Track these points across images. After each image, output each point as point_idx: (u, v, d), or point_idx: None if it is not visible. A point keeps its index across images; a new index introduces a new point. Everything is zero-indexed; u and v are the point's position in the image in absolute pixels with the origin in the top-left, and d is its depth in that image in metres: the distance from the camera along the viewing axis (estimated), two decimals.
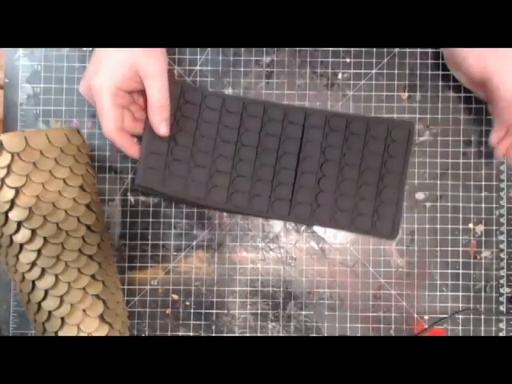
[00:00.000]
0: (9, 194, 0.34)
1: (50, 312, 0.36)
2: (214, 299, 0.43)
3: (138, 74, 0.36)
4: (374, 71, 0.44)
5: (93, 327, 0.36)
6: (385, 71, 0.44)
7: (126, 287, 0.43)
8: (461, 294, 0.43)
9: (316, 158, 0.42)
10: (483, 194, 0.43)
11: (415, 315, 0.43)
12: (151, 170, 0.40)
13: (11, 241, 0.35)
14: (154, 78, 0.36)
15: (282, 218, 0.42)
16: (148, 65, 0.36)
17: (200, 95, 0.42)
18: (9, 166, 0.34)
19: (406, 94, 0.44)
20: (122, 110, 0.37)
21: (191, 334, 0.43)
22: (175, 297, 0.43)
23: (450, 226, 0.43)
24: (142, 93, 0.39)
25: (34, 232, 0.35)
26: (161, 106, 0.37)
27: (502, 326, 0.43)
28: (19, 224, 0.34)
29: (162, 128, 0.38)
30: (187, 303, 0.43)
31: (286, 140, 0.42)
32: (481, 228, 0.43)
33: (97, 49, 0.37)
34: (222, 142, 0.42)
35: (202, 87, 0.44)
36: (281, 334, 0.43)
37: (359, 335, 0.43)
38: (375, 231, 0.42)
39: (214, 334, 0.43)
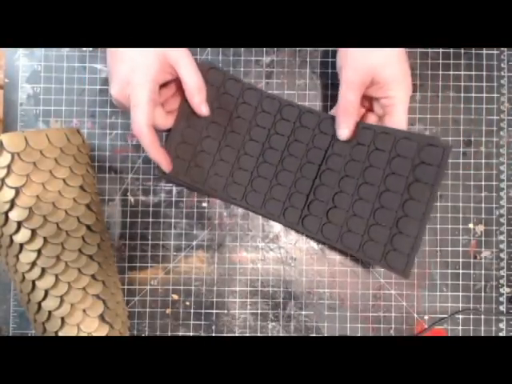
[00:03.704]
0: (9, 193, 0.34)
1: (50, 312, 0.36)
2: (214, 299, 0.43)
3: (169, 62, 0.38)
4: None
5: (93, 327, 0.36)
6: None
7: (125, 287, 0.43)
8: (461, 294, 0.43)
9: (337, 171, 0.40)
10: (483, 194, 0.43)
11: (415, 315, 0.43)
12: (177, 160, 0.40)
13: (11, 241, 0.35)
14: (185, 61, 0.38)
15: (291, 225, 0.42)
16: (175, 51, 0.38)
17: (240, 88, 0.42)
18: (9, 166, 0.34)
19: None
20: (155, 106, 0.38)
21: (191, 334, 0.43)
22: (175, 297, 0.43)
23: (449, 226, 0.43)
24: (174, 84, 0.41)
25: (34, 232, 0.35)
26: (199, 87, 0.39)
27: (502, 326, 0.43)
28: (19, 224, 0.34)
29: (203, 108, 0.40)
30: (187, 303, 0.43)
31: (313, 149, 0.41)
32: (481, 228, 0.43)
33: (118, 50, 0.37)
34: (250, 140, 0.42)
35: (242, 80, 0.43)
36: (281, 334, 0.43)
37: (359, 335, 0.43)
38: (385, 263, 0.38)
39: (214, 334, 0.43)
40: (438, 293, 0.43)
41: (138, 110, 0.37)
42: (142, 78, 0.36)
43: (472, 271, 0.43)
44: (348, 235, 0.39)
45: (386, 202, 0.38)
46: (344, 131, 0.38)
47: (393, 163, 0.38)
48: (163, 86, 0.40)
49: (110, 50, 0.38)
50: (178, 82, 0.40)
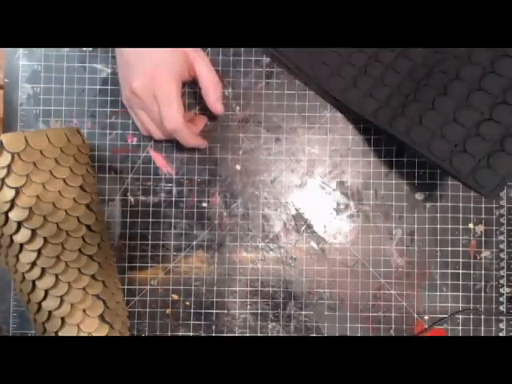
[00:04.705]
0: (9, 193, 0.34)
1: (50, 312, 0.36)
2: (214, 299, 0.43)
3: (189, 60, 0.38)
4: None
5: (93, 327, 0.36)
6: None
7: (125, 287, 0.43)
8: (461, 294, 0.43)
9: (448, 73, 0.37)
10: None
11: (415, 315, 0.43)
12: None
13: (11, 241, 0.35)
14: (202, 59, 0.39)
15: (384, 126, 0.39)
16: (193, 50, 0.39)
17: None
18: (9, 166, 0.34)
19: None
20: None
21: (191, 334, 0.43)
22: (175, 297, 0.43)
23: (449, 226, 0.43)
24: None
25: (34, 232, 0.35)
26: (215, 84, 0.40)
27: (502, 326, 0.43)
28: (19, 224, 0.34)
29: (219, 106, 0.40)
30: (187, 303, 0.43)
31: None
32: (481, 228, 0.43)
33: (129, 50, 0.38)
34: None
35: None
36: (281, 334, 0.43)
37: (359, 335, 0.43)
38: (473, 179, 0.34)
39: (214, 334, 0.43)
40: (438, 293, 0.43)
41: (173, 106, 0.37)
42: (169, 74, 0.37)
43: (472, 271, 0.43)
44: (439, 142, 0.35)
45: (499, 115, 0.34)
46: None
47: None
48: None
49: None
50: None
